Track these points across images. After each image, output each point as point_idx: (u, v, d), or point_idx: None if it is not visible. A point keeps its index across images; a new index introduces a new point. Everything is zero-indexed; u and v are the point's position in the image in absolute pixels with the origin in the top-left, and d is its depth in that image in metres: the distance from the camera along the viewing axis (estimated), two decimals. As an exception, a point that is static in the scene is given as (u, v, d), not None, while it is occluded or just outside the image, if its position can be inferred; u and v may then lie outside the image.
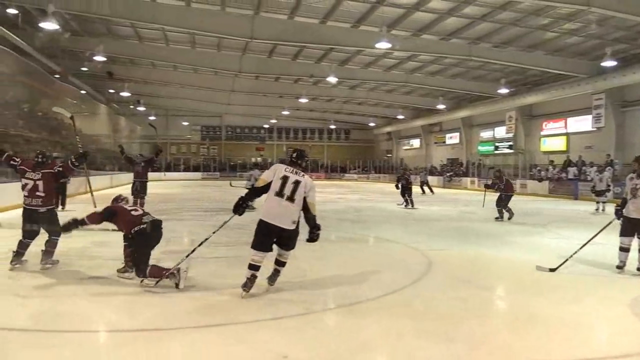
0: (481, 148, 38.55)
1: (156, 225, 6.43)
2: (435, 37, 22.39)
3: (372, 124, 51.43)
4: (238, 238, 9.92)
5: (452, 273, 7.18)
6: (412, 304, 5.62)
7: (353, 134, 55.62)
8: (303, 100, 36.62)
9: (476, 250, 9.18)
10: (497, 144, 36.72)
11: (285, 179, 5.68)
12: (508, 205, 14.41)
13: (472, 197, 23.91)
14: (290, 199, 5.63)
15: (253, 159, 53.04)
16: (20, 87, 27.76)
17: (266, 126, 52.98)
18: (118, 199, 7.19)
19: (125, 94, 35.66)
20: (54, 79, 28.36)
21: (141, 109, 42.06)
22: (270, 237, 5.71)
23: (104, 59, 24.70)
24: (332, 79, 28.44)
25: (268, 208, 5.69)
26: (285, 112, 43.89)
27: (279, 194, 5.64)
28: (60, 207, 13.53)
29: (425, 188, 27.88)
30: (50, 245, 7.16)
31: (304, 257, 7.92)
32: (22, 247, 7.07)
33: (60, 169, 7.37)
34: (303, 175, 5.76)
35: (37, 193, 7.04)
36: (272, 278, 6.08)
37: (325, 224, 12.30)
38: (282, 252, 5.98)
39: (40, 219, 7.08)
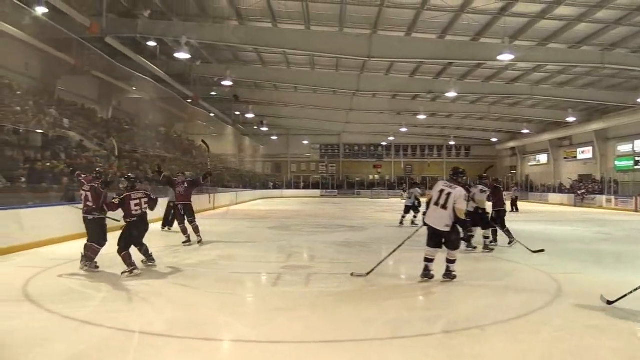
0: (618, 163, 35.35)
1: (142, 218, 8.12)
2: (563, 45, 21.10)
3: (494, 140, 49.39)
4: (358, 255, 10.00)
5: (585, 299, 6.61)
6: (540, 330, 5.26)
7: (474, 150, 53.78)
8: (421, 117, 36.19)
9: (614, 275, 8.39)
10: (637, 159, 33.48)
11: (441, 191, 7.25)
12: (504, 224, 11.28)
13: (609, 217, 21.92)
14: (443, 206, 7.16)
15: (370, 176, 53.43)
16: (157, 111, 30.59)
17: (384, 143, 53.01)
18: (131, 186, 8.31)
19: (249, 115, 37.68)
20: (187, 104, 30.79)
21: (264, 129, 44.19)
22: (432, 236, 7.29)
23: (231, 83, 26.35)
24: (452, 94, 27.83)
25: (428, 214, 7.33)
26: (403, 129, 43.64)
27: (436, 203, 7.24)
28: (166, 228, 14.13)
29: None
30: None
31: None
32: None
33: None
34: (455, 188, 7.23)
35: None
36: (446, 274, 7.36)
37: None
38: (449, 251, 7.33)
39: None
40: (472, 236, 10.60)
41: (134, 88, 26.99)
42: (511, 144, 49.13)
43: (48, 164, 14.13)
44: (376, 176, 52.55)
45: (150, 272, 8.03)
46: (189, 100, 30.46)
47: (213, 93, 32.29)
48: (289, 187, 49.13)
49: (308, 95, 34.68)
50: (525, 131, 41.83)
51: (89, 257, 8.02)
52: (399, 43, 20.72)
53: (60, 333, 4.99)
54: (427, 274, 7.37)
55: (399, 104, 35.87)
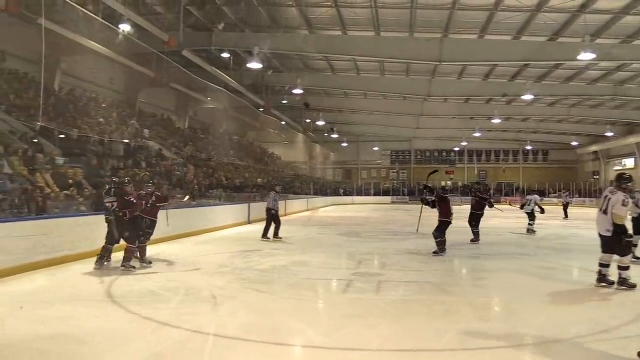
0: None
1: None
2: (650, 42, 19.77)
3: (575, 143, 47.01)
4: (429, 263, 9.80)
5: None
6: (626, 347, 4.91)
7: (552, 154, 51.43)
8: (496, 121, 35.05)
9: None
10: None
11: (605, 197, 7.40)
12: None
13: None
14: (604, 212, 7.29)
15: (442, 183, 52.38)
16: (231, 120, 31.52)
17: (456, 149, 51.80)
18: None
19: (320, 122, 38.02)
20: (259, 113, 31.52)
21: (335, 136, 44.42)
22: (601, 242, 7.34)
23: (302, 91, 26.72)
24: (528, 97, 26.78)
25: (596, 219, 7.46)
26: (477, 134, 42.44)
27: (600, 208, 7.39)
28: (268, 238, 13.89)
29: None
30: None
31: (498, 288, 7.51)
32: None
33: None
34: (616, 193, 7.26)
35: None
36: (620, 282, 7.26)
37: (524, 252, 11.59)
38: (619, 258, 7.25)
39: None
40: (635, 245, 9.74)
41: (209, 98, 27.96)
42: (593, 148, 46.56)
43: (130, 172, 14.89)
44: (449, 182, 51.40)
45: (225, 276, 8.25)
46: (261, 109, 31.19)
47: (284, 101, 32.87)
48: (359, 193, 49.06)
49: (378, 101, 34.53)
50: (609, 134, 39.50)
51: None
52: (472, 46, 20.21)
53: (140, 334, 5.22)
54: (602, 279, 7.44)
55: (472, 108, 34.96)
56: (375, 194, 50.33)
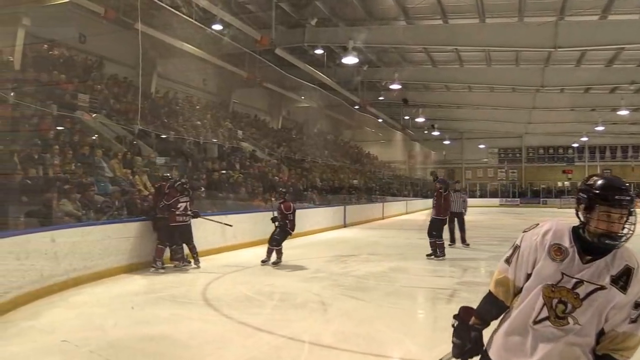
0: None
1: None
2: None
3: None
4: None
5: None
6: None
7: (693, 149, 47.09)
8: (622, 113, 32.65)
9: None
10: None
11: None
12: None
13: None
14: None
15: (559, 183, 49.74)
16: (325, 119, 31.96)
17: (575, 145, 48.81)
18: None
19: (419, 119, 37.48)
20: (355, 110, 31.63)
21: (435, 133, 43.56)
22: None
23: (399, 86, 26.51)
24: (662, 84, 24.72)
25: None
26: (599, 128, 39.73)
27: None
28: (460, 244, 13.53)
29: None
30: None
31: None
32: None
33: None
34: None
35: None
36: None
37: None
38: None
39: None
40: None
41: (302, 97, 28.51)
42: None
43: (224, 174, 15.55)
44: (566, 183, 48.61)
45: (320, 282, 8.39)
46: (357, 107, 31.30)
47: (381, 98, 32.74)
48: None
49: (484, 94, 33.41)
50: None
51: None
52: (592, 28, 18.98)
53: (235, 338, 5.44)
54: None
55: (592, 98, 32.79)
56: (482, 196, 48.74)
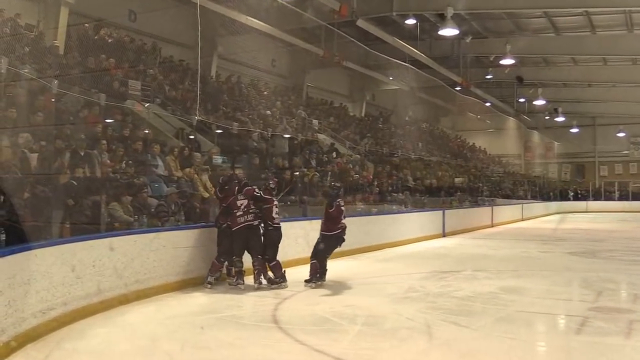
0: None
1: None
2: None
3: None
4: None
5: None
6: None
7: None
8: None
9: None
10: None
11: None
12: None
13: None
14: None
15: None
16: (419, 104, 31.64)
17: None
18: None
19: (538, 102, 36.36)
20: (455, 92, 31.13)
21: (559, 119, 41.98)
22: None
23: (512, 61, 25.85)
24: None
25: None
26: None
27: None
28: None
29: None
30: None
31: None
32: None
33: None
34: None
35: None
36: None
37: None
38: None
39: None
40: None
41: (391, 77, 28.39)
42: None
43: (297, 173, 15.71)
44: None
45: (413, 304, 8.32)
46: (458, 88, 30.80)
47: (488, 76, 32.08)
48: (596, 197, 45.73)
49: (623, 68, 31.88)
50: None
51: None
52: None
53: (311, 369, 5.48)
54: None
55: None
56: (621, 198, 46.43)
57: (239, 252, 9.43)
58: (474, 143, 39.96)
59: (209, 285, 9.27)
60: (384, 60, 24.78)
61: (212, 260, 9.44)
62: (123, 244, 8.12)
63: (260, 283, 9.32)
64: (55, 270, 6.78)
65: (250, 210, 9.44)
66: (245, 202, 9.41)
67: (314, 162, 17.79)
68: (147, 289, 8.48)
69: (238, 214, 9.37)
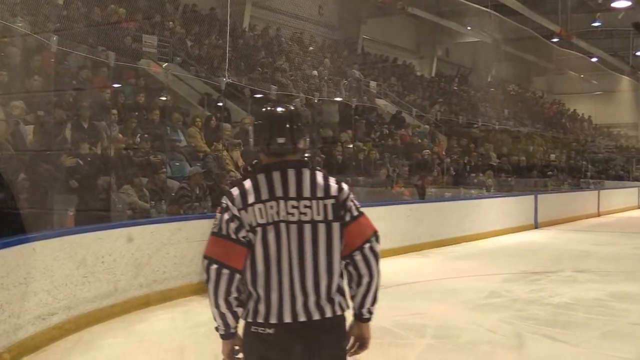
0: None
1: None
2: None
3: None
4: None
5: None
6: None
7: None
8: None
9: None
10: None
11: None
12: None
13: None
14: None
15: None
16: (505, 61, 31.11)
17: None
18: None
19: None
20: (552, 45, 30.54)
21: None
22: None
23: (628, 3, 25.20)
24: None
25: None
26: None
27: None
28: None
29: None
30: None
31: None
32: None
33: None
34: None
35: None
36: None
37: None
38: None
39: None
40: None
41: (469, 27, 28.01)
42: None
43: (350, 146, 15.71)
44: None
45: (496, 312, 8.29)
46: (556, 39, 30.23)
47: (596, 23, 31.38)
48: None
49: None
50: None
51: None
52: None
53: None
54: None
55: None
56: None
57: None
58: (575, 110, 39.15)
59: None
60: (460, 5, 24.47)
61: None
62: (138, 236, 8.25)
63: None
64: (57, 267, 6.88)
65: None
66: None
67: (371, 135, 17.75)
68: (168, 291, 8.64)
69: None
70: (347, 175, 14.36)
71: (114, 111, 11.16)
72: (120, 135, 10.88)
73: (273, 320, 2.91)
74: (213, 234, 2.97)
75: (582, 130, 37.05)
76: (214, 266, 2.93)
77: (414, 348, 6.82)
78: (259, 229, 2.91)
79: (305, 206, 2.95)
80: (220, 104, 14.82)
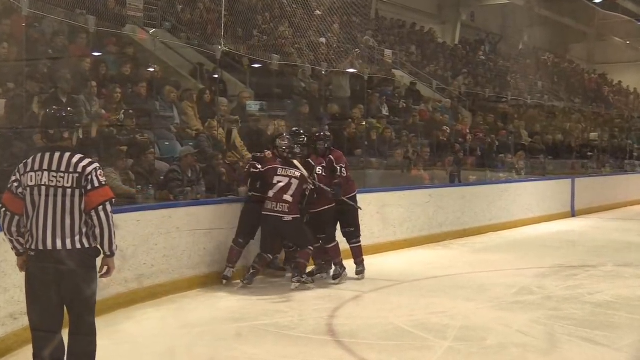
0: None
1: None
2: None
3: None
4: None
5: None
6: None
7: None
8: None
9: None
10: None
11: None
12: None
13: None
14: None
15: None
16: (538, 26, 30.95)
17: None
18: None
19: None
20: (592, 6, 30.37)
21: None
22: None
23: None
24: None
25: None
26: None
27: None
28: None
29: None
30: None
31: None
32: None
33: None
34: None
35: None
36: None
37: None
38: None
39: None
40: None
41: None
42: None
43: (363, 124, 15.65)
44: None
45: (527, 311, 8.34)
46: (597, 0, 30.03)
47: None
48: None
49: None
50: None
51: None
52: None
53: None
54: None
55: None
56: None
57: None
58: (620, 82, 38.95)
59: (245, 281, 9.47)
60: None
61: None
62: (122, 225, 8.14)
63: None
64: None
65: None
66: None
67: (386, 110, 17.70)
68: (156, 287, 8.70)
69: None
70: (359, 156, 14.34)
71: (94, 84, 11.10)
72: (102, 111, 10.85)
73: (33, 247, 4.90)
74: (7, 189, 4.95)
75: (627, 105, 36.82)
76: (3, 209, 4.96)
77: (435, 351, 6.83)
78: (28, 189, 4.90)
79: (60, 176, 4.88)
80: (216, 76, 14.74)
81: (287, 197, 9.40)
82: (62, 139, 5.08)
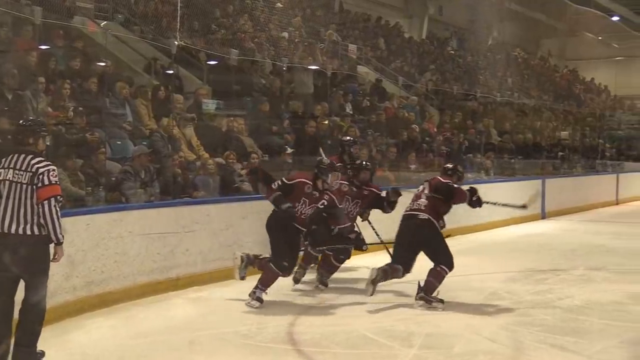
0: None
1: None
2: None
3: None
4: None
5: None
6: None
7: None
8: None
9: None
10: None
11: None
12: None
13: None
14: None
15: None
16: (508, 20, 31.13)
17: None
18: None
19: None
20: (566, 2, 30.62)
21: None
22: None
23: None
24: None
25: None
26: None
27: None
28: None
29: None
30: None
31: None
32: None
33: None
34: None
35: None
36: None
37: None
38: None
39: None
40: None
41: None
42: None
43: (326, 122, 15.63)
44: None
45: (497, 316, 8.40)
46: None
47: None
48: None
49: None
50: None
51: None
52: None
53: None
54: None
55: None
56: None
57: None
58: (592, 79, 39.35)
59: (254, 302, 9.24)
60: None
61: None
62: (71, 229, 8.10)
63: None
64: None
65: None
66: None
67: (349, 108, 17.72)
68: (106, 294, 8.63)
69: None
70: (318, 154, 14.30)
71: (41, 79, 10.99)
72: (49, 109, 10.75)
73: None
74: None
75: (599, 103, 37.21)
76: None
77: (401, 358, 6.86)
78: (0, 183, 6.18)
79: (20, 174, 6.12)
80: (171, 72, 14.69)
81: None
82: (27, 144, 6.35)
